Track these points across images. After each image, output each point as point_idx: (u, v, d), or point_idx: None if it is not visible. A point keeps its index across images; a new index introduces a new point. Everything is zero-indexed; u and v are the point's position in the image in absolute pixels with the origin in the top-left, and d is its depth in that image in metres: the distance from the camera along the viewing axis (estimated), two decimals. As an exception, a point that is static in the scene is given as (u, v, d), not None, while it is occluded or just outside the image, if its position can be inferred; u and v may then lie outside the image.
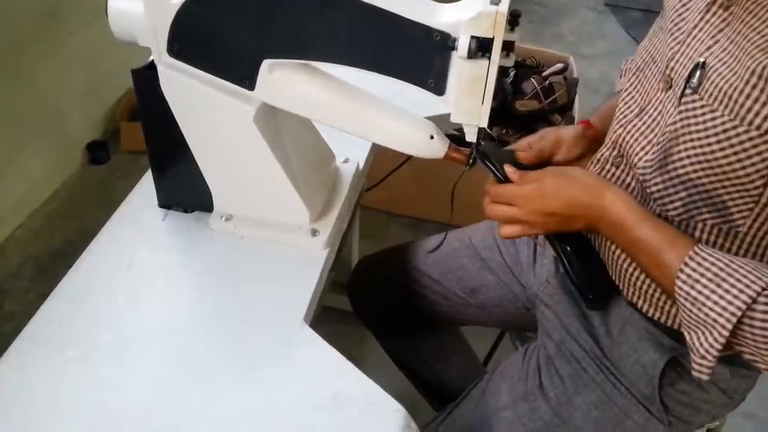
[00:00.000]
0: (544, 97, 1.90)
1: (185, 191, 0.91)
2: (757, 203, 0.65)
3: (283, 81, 0.77)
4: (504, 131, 1.84)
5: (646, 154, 0.73)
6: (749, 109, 0.61)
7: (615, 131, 0.79)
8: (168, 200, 0.93)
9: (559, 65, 2.06)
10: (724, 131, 0.63)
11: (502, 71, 0.72)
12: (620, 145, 0.78)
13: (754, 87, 0.60)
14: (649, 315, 0.78)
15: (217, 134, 0.83)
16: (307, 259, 0.86)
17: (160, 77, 0.80)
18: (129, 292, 0.82)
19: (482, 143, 0.78)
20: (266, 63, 0.76)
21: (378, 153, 1.29)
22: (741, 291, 0.60)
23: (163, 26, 0.75)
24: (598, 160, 0.81)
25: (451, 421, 0.91)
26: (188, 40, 0.76)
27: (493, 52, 0.68)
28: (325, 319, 1.07)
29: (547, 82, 1.93)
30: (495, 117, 0.74)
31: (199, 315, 0.80)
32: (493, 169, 0.77)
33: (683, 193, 0.70)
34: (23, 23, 1.72)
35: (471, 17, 0.66)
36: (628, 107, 0.79)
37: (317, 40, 0.74)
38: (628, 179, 0.77)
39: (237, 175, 0.86)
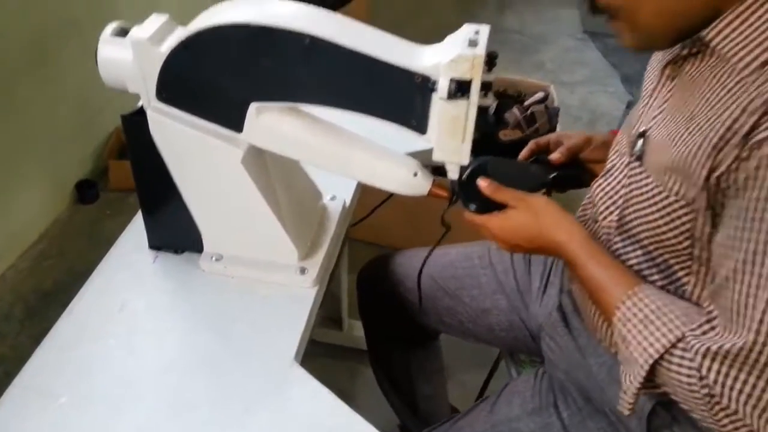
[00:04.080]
0: (526, 126, 1.94)
1: (175, 233, 0.92)
2: (693, 261, 0.69)
3: (270, 123, 0.79)
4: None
5: (610, 214, 0.77)
6: (669, 177, 0.66)
7: (592, 188, 0.82)
8: (158, 242, 0.94)
9: (540, 94, 2.10)
10: (653, 196, 0.69)
11: (482, 110, 0.74)
12: (595, 202, 0.81)
13: (674, 170, 0.65)
14: None
15: (206, 176, 0.84)
16: (296, 298, 0.87)
17: (149, 122, 0.82)
18: (121, 337, 0.82)
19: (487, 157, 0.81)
20: (253, 106, 0.78)
21: (365, 187, 1.31)
22: (663, 335, 0.64)
23: (151, 73, 0.77)
24: (584, 211, 0.85)
25: (457, 428, 0.91)
26: (177, 86, 0.78)
27: (471, 93, 0.70)
28: (314, 353, 1.07)
29: (528, 111, 1.96)
30: (479, 147, 0.79)
31: (191, 358, 0.81)
32: (462, 197, 0.80)
33: (638, 253, 0.74)
34: (13, 63, 1.74)
35: (450, 60, 0.69)
36: (604, 166, 0.82)
37: (303, 84, 0.76)
38: (600, 234, 0.80)
39: (226, 215, 0.88)
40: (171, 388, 0.77)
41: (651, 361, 0.64)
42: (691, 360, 0.62)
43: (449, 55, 0.69)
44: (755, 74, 0.60)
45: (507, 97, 2.09)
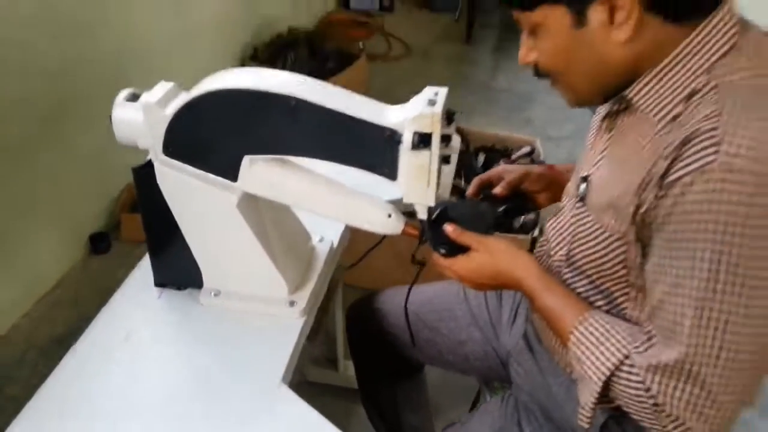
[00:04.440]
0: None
1: (178, 271, 1.03)
2: (631, 288, 0.78)
3: (262, 173, 0.91)
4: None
5: (561, 249, 0.88)
6: (605, 214, 0.77)
7: (547, 228, 0.94)
8: (163, 279, 1.05)
9: (527, 148, 2.24)
10: (594, 232, 0.79)
11: (445, 159, 0.86)
12: (549, 240, 0.92)
13: (608, 207, 0.76)
14: None
15: (205, 220, 0.96)
16: (285, 327, 0.97)
17: (156, 173, 0.94)
18: (126, 364, 0.92)
19: (452, 202, 0.92)
20: (247, 159, 0.90)
21: (357, 234, 1.43)
22: (612, 354, 0.73)
23: (159, 132, 0.90)
24: (541, 248, 0.95)
25: None
26: (180, 143, 0.91)
27: (432, 144, 0.82)
28: (312, 393, 1.15)
29: (515, 164, 2.09)
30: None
31: (190, 382, 0.90)
32: (434, 244, 0.90)
33: (584, 282, 0.84)
34: (37, 126, 1.90)
35: (413, 117, 0.81)
36: (558, 205, 0.93)
37: (290, 139, 0.88)
38: (553, 267, 0.91)
39: (223, 255, 0.99)
40: (172, 408, 0.86)
41: (604, 378, 0.73)
42: (637, 374, 0.71)
43: (412, 113, 0.81)
44: (668, 126, 0.71)
45: (495, 151, 2.23)
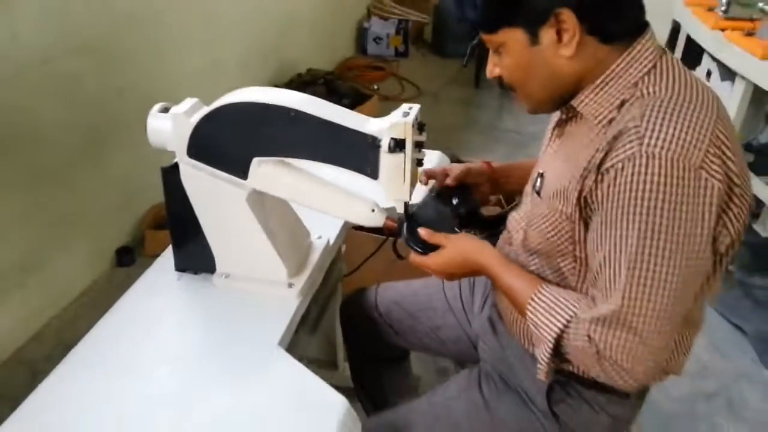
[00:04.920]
0: (506, 203, 2.25)
1: (195, 257, 1.21)
2: (575, 261, 0.95)
3: (268, 172, 1.10)
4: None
5: (518, 234, 1.05)
6: (555, 201, 0.94)
7: (509, 221, 1.11)
8: (183, 265, 1.23)
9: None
10: (548, 216, 0.96)
11: (418, 162, 1.04)
12: (509, 230, 1.10)
13: (557, 194, 0.93)
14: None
15: (219, 212, 1.14)
16: (284, 305, 1.14)
17: (181, 173, 1.13)
18: (150, 329, 1.10)
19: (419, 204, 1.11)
20: (255, 160, 1.09)
21: (356, 241, 1.62)
22: (561, 316, 0.89)
23: (184, 137, 1.09)
24: (502, 241, 1.13)
25: (404, 407, 1.14)
26: (201, 146, 1.10)
27: (406, 148, 1.01)
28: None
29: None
30: (466, 221, 1.14)
31: (202, 345, 1.08)
32: (411, 244, 1.07)
33: (537, 260, 1.01)
34: (75, 148, 2.13)
35: (389, 125, 1.00)
36: (518, 207, 1.11)
37: (290, 144, 1.07)
38: (512, 253, 1.08)
39: (234, 242, 1.17)
40: (187, 363, 1.03)
41: (555, 336, 0.88)
42: (582, 329, 0.86)
43: (389, 122, 1.00)
44: (605, 128, 0.88)
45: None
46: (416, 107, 1.04)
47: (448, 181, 1.19)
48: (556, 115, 1.04)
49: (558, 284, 0.98)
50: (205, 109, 1.08)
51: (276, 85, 3.31)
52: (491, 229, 1.21)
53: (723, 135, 0.82)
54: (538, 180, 1.01)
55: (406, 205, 1.07)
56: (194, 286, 1.20)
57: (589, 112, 0.90)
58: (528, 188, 1.09)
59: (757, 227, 2.48)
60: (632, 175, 0.80)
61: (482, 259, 1.00)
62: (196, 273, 1.22)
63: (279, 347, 1.06)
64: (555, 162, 0.98)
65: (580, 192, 0.88)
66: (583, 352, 0.86)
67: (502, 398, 1.07)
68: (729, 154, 0.82)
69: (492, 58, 0.96)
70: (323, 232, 1.32)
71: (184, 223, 1.18)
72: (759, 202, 2.37)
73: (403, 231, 1.09)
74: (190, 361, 1.04)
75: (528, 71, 0.91)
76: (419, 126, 1.03)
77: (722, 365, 2.11)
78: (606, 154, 0.84)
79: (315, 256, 1.26)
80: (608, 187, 0.83)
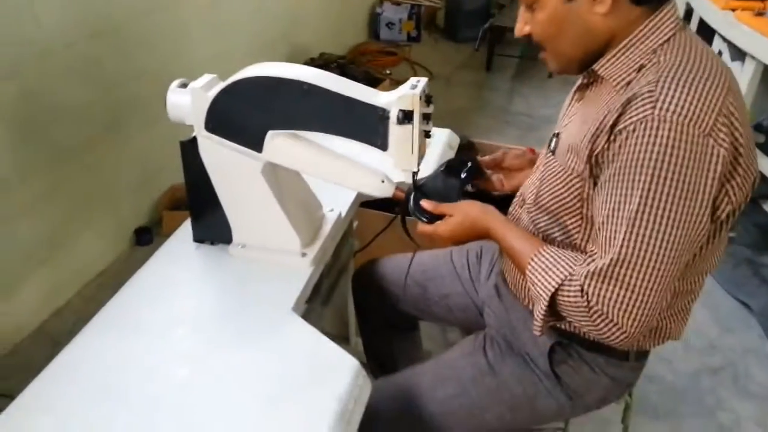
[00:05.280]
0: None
1: (213, 228, 1.26)
2: (582, 219, 0.98)
3: (282, 145, 1.14)
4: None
5: (531, 195, 1.09)
6: (568, 159, 0.97)
7: (524, 185, 1.14)
8: (201, 236, 1.28)
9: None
10: (560, 174, 1.00)
11: (426, 134, 1.08)
12: (524, 193, 1.13)
13: (570, 152, 0.97)
14: None
15: (236, 184, 1.19)
16: (297, 273, 1.19)
17: (199, 146, 1.18)
18: (171, 293, 1.15)
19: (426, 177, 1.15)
20: (270, 133, 1.13)
21: (367, 219, 1.66)
22: (556, 275, 0.92)
23: (202, 111, 1.14)
24: (513, 205, 1.16)
25: (410, 370, 1.19)
26: (218, 120, 1.15)
27: (414, 119, 1.05)
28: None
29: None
30: (478, 199, 1.17)
31: (219, 309, 1.13)
32: (418, 215, 1.11)
33: (546, 217, 1.05)
34: (95, 130, 2.19)
35: (397, 97, 1.03)
36: (534, 170, 1.14)
37: (303, 117, 1.11)
38: (524, 213, 1.12)
39: (249, 213, 1.21)
40: (206, 324, 1.09)
41: (549, 293, 0.92)
42: (576, 286, 0.89)
43: (397, 95, 1.04)
44: (622, 89, 0.92)
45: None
46: (423, 80, 1.08)
47: (486, 160, 1.23)
48: (577, 81, 1.07)
49: (565, 242, 1.01)
50: (222, 84, 1.13)
51: (289, 70, 3.35)
52: (499, 207, 1.25)
53: (732, 107, 0.85)
54: (554, 140, 1.05)
55: (414, 175, 1.11)
56: (212, 255, 1.25)
57: (609, 75, 0.94)
58: (542, 151, 1.12)
59: (766, 207, 2.50)
60: (643, 137, 0.83)
61: (487, 222, 1.04)
62: (213, 243, 1.28)
63: (293, 312, 1.10)
64: (572, 124, 1.02)
65: (592, 150, 0.91)
66: (575, 307, 0.90)
67: (506, 361, 1.11)
68: (737, 125, 0.85)
69: (523, 16, 0.99)
70: (335, 205, 1.37)
71: (202, 195, 1.23)
72: (768, 182, 2.38)
73: (410, 202, 1.13)
74: (207, 323, 1.10)
75: (561, 27, 0.94)
76: (427, 98, 1.07)
77: (729, 341, 2.14)
78: (620, 116, 0.87)
79: (327, 228, 1.30)
80: (619, 147, 0.86)
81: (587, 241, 0.99)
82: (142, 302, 1.14)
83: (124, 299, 1.15)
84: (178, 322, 1.09)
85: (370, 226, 1.67)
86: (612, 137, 0.88)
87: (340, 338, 1.94)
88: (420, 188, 1.14)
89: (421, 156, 1.10)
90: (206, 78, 1.15)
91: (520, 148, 1.28)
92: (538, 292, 0.94)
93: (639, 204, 0.84)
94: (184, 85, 1.17)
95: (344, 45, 4.26)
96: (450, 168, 1.23)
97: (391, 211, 2.03)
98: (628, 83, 0.91)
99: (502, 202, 1.29)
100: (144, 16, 2.31)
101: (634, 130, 0.85)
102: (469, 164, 1.24)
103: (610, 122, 0.88)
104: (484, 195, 1.27)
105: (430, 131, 1.11)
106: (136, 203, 2.51)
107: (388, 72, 4.05)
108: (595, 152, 0.91)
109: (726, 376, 2.01)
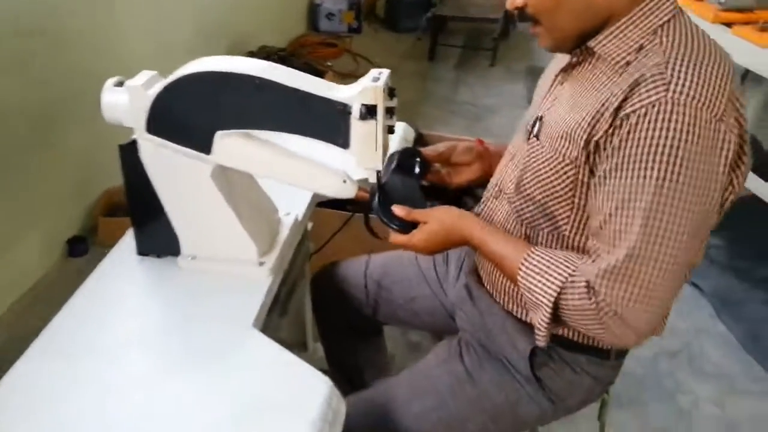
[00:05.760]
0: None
1: (158, 240, 1.15)
2: (572, 209, 0.93)
3: (232, 146, 1.05)
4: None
5: (511, 183, 1.02)
6: (559, 144, 0.91)
7: (498, 174, 1.08)
8: (145, 248, 1.17)
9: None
10: (546, 160, 0.93)
11: (390, 129, 1.01)
12: (500, 182, 1.07)
13: (561, 137, 0.91)
14: (518, 315, 1.04)
15: (183, 190, 1.09)
16: (255, 284, 1.10)
17: (139, 149, 1.06)
18: (116, 312, 1.04)
19: (389, 177, 1.07)
20: (219, 134, 1.04)
21: (321, 218, 1.57)
22: (555, 279, 0.86)
23: (142, 111, 1.03)
24: (487, 197, 1.11)
25: (384, 383, 1.12)
26: (161, 120, 1.04)
27: (378, 114, 0.97)
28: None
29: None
30: (433, 193, 1.11)
31: (173, 325, 1.02)
32: (388, 223, 1.04)
33: (531, 208, 0.98)
34: (21, 133, 2.01)
35: (359, 91, 0.96)
36: (507, 157, 1.09)
37: (255, 115, 1.02)
38: (501, 205, 1.06)
39: (199, 222, 1.11)
40: (156, 346, 0.98)
41: (552, 299, 0.85)
42: (580, 288, 0.83)
43: (359, 88, 0.96)
44: (620, 70, 0.86)
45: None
46: (386, 72, 1.00)
47: (426, 150, 1.16)
48: (559, 62, 1.01)
49: (551, 234, 0.96)
50: (164, 81, 1.02)
51: (227, 64, 3.21)
52: (454, 200, 1.19)
53: (737, 92, 0.82)
54: (537, 124, 0.98)
55: (378, 173, 1.04)
56: (159, 269, 1.14)
57: (607, 53, 0.88)
58: (518, 136, 1.06)
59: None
60: (655, 121, 0.79)
61: (465, 229, 0.98)
62: (159, 256, 1.17)
63: (253, 328, 1.02)
64: (558, 106, 0.96)
65: (590, 135, 0.86)
66: (582, 311, 0.84)
67: (484, 367, 1.06)
68: (741, 111, 0.82)
69: None
70: (290, 208, 1.28)
71: (145, 204, 1.12)
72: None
73: (374, 204, 1.06)
74: (160, 344, 0.99)
75: (560, 1, 0.88)
76: (389, 91, 0.99)
77: (683, 323, 2.17)
78: (625, 99, 0.82)
79: (284, 233, 1.21)
80: (628, 132, 0.81)
81: (575, 232, 0.94)
82: (86, 323, 1.02)
83: (65, 320, 1.03)
84: (129, 344, 0.99)
85: (324, 226, 1.59)
86: (617, 122, 0.82)
87: (298, 344, 1.85)
88: (381, 189, 1.06)
89: (384, 153, 1.03)
90: (145, 75, 1.05)
91: (469, 139, 1.22)
92: (537, 298, 0.88)
93: (654, 194, 0.79)
94: (120, 84, 1.06)
95: (284, 37, 4.13)
96: (400, 164, 1.16)
97: (345, 209, 1.96)
98: (628, 64, 0.86)
99: (455, 196, 1.23)
100: (74, 10, 2.14)
101: (645, 114, 0.79)
102: (418, 159, 1.17)
103: (614, 106, 0.83)
104: (438, 189, 1.20)
105: (393, 126, 1.04)
106: (68, 210, 2.33)
107: (329, 64, 3.95)
108: (594, 138, 0.85)
109: (683, 359, 2.03)
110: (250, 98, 1.00)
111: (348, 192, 1.07)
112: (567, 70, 0.97)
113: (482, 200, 1.11)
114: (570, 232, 0.94)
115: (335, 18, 4.54)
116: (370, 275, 1.26)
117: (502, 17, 4.21)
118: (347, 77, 3.92)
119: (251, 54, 3.32)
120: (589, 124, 0.86)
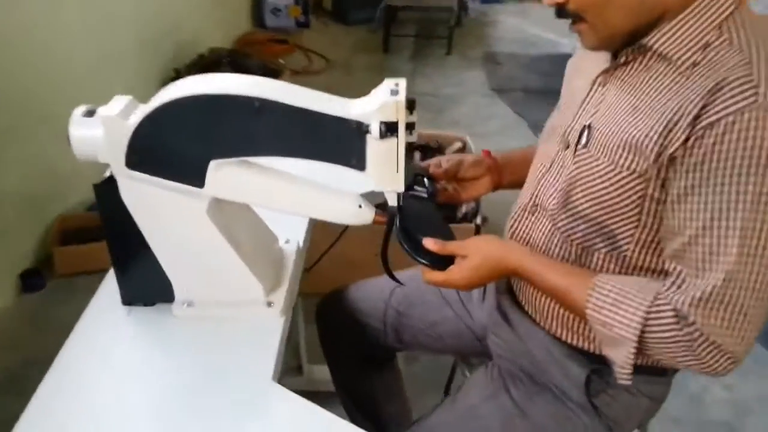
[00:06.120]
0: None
1: (146, 286, 1.01)
2: (636, 227, 0.84)
3: (229, 176, 0.91)
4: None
5: (554, 199, 0.92)
6: (620, 156, 0.81)
7: (531, 188, 0.98)
8: (131, 297, 1.02)
9: (458, 144, 2.32)
10: (606, 173, 0.83)
11: (410, 146, 0.89)
12: (535, 196, 0.97)
13: (623, 148, 0.81)
14: (567, 340, 0.95)
15: (175, 230, 0.95)
16: (266, 328, 0.97)
17: (120, 188, 0.92)
18: (107, 385, 0.90)
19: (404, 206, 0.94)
20: (213, 164, 0.90)
21: (311, 239, 1.45)
22: (636, 310, 0.77)
23: (121, 144, 0.89)
24: (518, 212, 1.00)
25: (425, 424, 1.01)
26: (144, 153, 0.90)
27: (399, 131, 0.86)
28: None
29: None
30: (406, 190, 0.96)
31: (179, 395, 0.88)
32: (416, 258, 0.91)
33: (582, 226, 0.88)
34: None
35: (378, 107, 0.84)
36: (539, 169, 0.98)
37: (257, 140, 0.89)
38: (540, 222, 0.96)
39: (195, 263, 0.98)
40: (161, 423, 0.85)
41: (638, 332, 0.76)
42: (669, 316, 0.75)
43: (377, 103, 0.85)
44: (687, 71, 0.77)
45: (429, 148, 2.30)
46: (402, 81, 0.90)
47: (432, 169, 1.05)
48: (593, 61, 0.92)
49: (609, 255, 0.87)
50: (144, 108, 0.88)
51: (177, 70, 3.02)
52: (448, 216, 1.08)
53: None
54: (584, 133, 0.87)
55: (399, 197, 0.93)
56: (151, 320, 1.00)
57: (669, 51, 0.79)
58: (549, 144, 0.97)
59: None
60: (747, 130, 0.70)
61: (512, 261, 0.87)
62: (147, 305, 1.03)
63: (273, 382, 0.89)
64: (608, 113, 0.85)
65: (662, 147, 0.76)
66: (672, 342, 0.76)
67: (535, 399, 0.96)
68: None
69: None
70: (288, 233, 1.16)
71: (129, 248, 0.98)
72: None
73: (397, 234, 0.93)
74: (168, 411, 0.86)
75: None
76: (409, 104, 0.88)
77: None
78: (704, 107, 0.73)
79: (288, 265, 1.09)
80: (713, 144, 0.72)
81: (639, 252, 0.85)
82: (79, 391, 0.88)
83: (53, 387, 0.88)
84: (131, 416, 0.85)
85: (313, 245, 1.46)
86: (698, 132, 0.73)
87: (292, 369, 1.73)
88: (401, 221, 0.93)
89: (406, 173, 0.91)
90: (120, 102, 0.90)
91: (470, 155, 1.11)
92: (616, 333, 0.78)
93: (751, 211, 0.71)
94: (90, 113, 0.91)
95: (229, 36, 3.94)
96: (409, 185, 1.03)
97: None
98: (695, 64, 0.77)
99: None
100: (12, 18, 1.93)
101: (734, 123, 0.71)
102: (426, 179, 1.05)
103: (691, 114, 0.74)
104: (445, 209, 1.10)
105: (414, 143, 0.93)
106: (18, 241, 2.12)
107: (281, 62, 3.79)
108: (668, 151, 0.76)
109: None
110: (249, 123, 0.87)
111: (365, 218, 0.95)
112: (610, 71, 0.87)
113: (513, 216, 1.01)
114: (633, 252, 0.85)
115: (281, 13, 4.36)
116: (384, 301, 1.16)
117: (455, 5, 4.13)
118: (303, 74, 3.77)
119: (201, 58, 3.12)
120: (660, 134, 0.77)
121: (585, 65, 0.94)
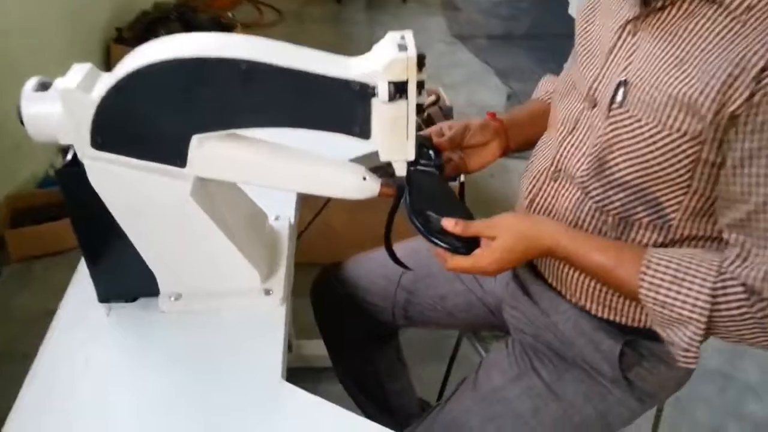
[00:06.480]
0: (425, 127, 2.04)
1: (126, 281, 0.90)
2: (686, 194, 0.76)
3: (214, 152, 0.80)
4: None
5: (582, 165, 0.83)
6: (669, 116, 0.72)
7: (552, 151, 0.89)
8: (109, 294, 0.91)
9: (432, 97, 2.21)
10: (651, 136, 0.74)
11: (419, 108, 0.79)
12: (558, 161, 0.87)
13: (672, 106, 0.72)
14: (597, 314, 0.88)
15: (155, 216, 0.83)
16: (266, 319, 0.88)
17: (87, 172, 0.80)
18: (93, 392, 0.79)
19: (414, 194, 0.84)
20: (195, 139, 0.78)
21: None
22: (700, 287, 0.70)
23: (84, 121, 0.76)
24: (537, 177, 0.91)
25: (447, 411, 0.94)
26: (112, 131, 0.77)
27: (409, 93, 0.75)
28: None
29: (425, 114, 2.06)
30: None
31: (171, 397, 0.79)
32: (435, 241, 0.81)
33: (621, 194, 0.80)
34: None
35: (385, 65, 0.73)
36: (559, 130, 0.88)
37: (244, 109, 0.77)
38: (566, 189, 0.87)
39: (181, 251, 0.87)
40: (166, 419, 0.76)
41: (707, 311, 0.69)
42: (737, 291, 0.68)
43: (384, 61, 0.74)
44: (744, 15, 0.68)
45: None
46: (409, 35, 0.79)
47: (438, 141, 0.95)
48: (609, 5, 0.82)
49: (651, 224, 0.79)
50: (109, 78, 0.75)
51: (119, 29, 2.78)
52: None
53: None
54: (619, 90, 0.77)
55: (409, 166, 0.83)
56: (133, 318, 0.89)
57: None
58: (570, 99, 0.87)
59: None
60: None
61: (546, 239, 0.78)
62: (129, 300, 0.91)
63: (283, 381, 0.80)
64: (648, 65, 0.75)
65: (721, 105, 0.68)
66: (742, 320, 0.69)
67: (565, 378, 0.90)
68: None
69: None
70: (277, 209, 1.05)
71: (102, 239, 0.86)
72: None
73: (408, 211, 0.84)
74: (169, 425, 0.76)
75: None
76: (419, 60, 0.78)
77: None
78: None
79: (282, 244, 0.99)
80: None
81: (687, 220, 0.78)
82: (57, 411, 0.77)
83: (30, 409, 0.77)
84: (125, 426, 0.75)
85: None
86: (766, 87, 0.65)
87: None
88: (412, 186, 0.84)
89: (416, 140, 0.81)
90: (79, 72, 0.77)
91: (475, 119, 1.00)
92: (679, 313, 0.71)
93: None
94: (43, 87, 0.77)
95: (171, -11, 3.66)
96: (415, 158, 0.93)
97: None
98: (750, 8, 0.68)
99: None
100: None
101: None
102: (431, 151, 0.95)
103: (757, 66, 0.65)
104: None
105: (423, 105, 0.83)
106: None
107: (230, 15, 3.55)
108: (729, 108, 0.67)
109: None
110: (235, 90, 0.75)
111: (370, 191, 0.85)
112: (641, 17, 0.78)
113: (530, 183, 0.92)
114: (681, 221, 0.78)
115: (226, -38, 4.07)
116: (385, 276, 1.07)
117: (409, -52, 3.94)
118: (255, 28, 3.56)
119: (145, 14, 2.89)
120: (718, 91, 0.68)
121: (603, 11, 0.84)
